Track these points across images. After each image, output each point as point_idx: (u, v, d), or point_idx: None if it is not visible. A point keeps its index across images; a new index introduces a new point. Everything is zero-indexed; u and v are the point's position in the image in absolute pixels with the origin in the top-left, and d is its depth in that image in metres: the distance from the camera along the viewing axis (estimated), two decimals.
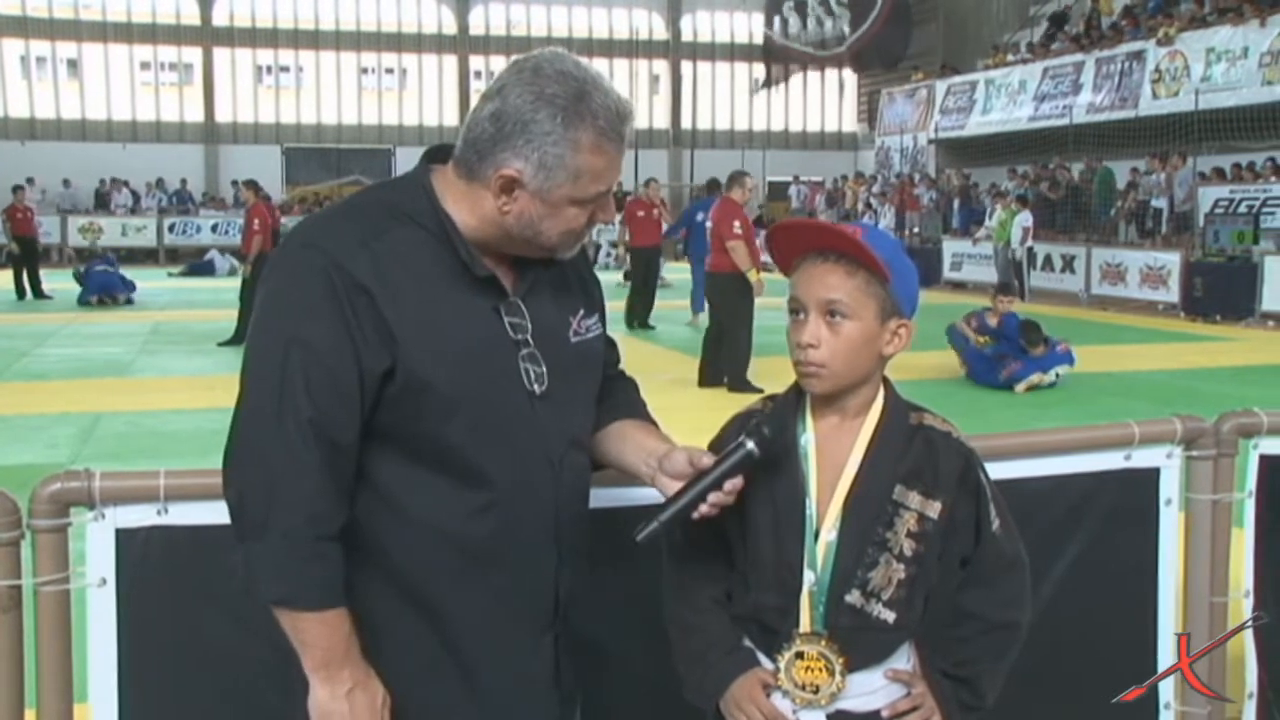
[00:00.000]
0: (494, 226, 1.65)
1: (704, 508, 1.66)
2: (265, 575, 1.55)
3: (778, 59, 35.59)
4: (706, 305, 14.74)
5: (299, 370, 1.54)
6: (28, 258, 18.99)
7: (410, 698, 1.66)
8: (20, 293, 18.50)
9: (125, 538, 1.92)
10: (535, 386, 1.67)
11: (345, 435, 1.57)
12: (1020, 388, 9.84)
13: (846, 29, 33.06)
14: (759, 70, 37.63)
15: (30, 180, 25.42)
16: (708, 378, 10.00)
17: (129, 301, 17.81)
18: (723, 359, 9.87)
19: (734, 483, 1.67)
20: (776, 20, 34.78)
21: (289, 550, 1.54)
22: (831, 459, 1.74)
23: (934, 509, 1.71)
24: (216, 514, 1.91)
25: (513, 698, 1.71)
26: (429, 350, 1.59)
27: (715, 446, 1.80)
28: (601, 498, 1.85)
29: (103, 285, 17.77)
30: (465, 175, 1.65)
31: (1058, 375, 10.04)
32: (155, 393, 9.85)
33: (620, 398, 1.87)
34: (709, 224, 10.38)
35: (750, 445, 1.66)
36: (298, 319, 1.56)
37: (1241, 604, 2.63)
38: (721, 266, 9.80)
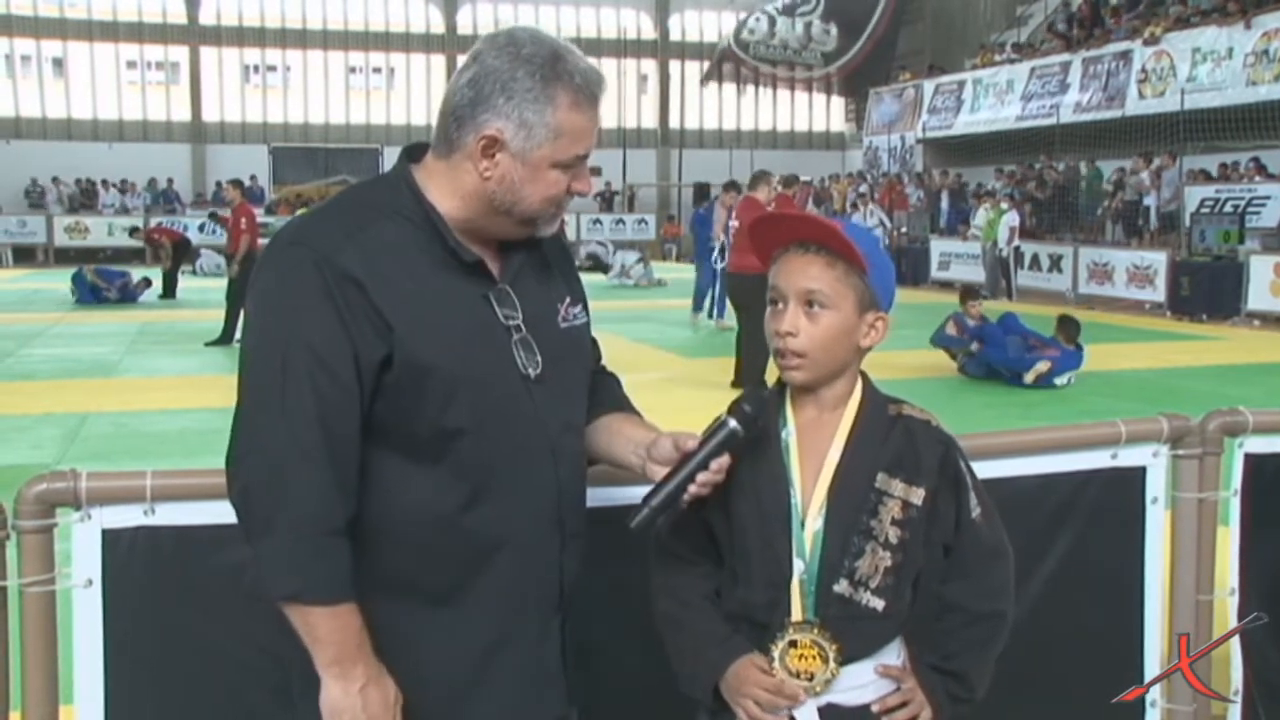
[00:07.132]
0: (476, 200, 1.65)
1: (693, 489, 1.66)
2: (275, 571, 1.55)
3: (731, 62, 35.04)
4: (706, 306, 14.71)
5: (297, 365, 1.54)
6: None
7: (421, 693, 1.65)
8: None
9: (111, 538, 1.91)
10: (530, 370, 1.67)
11: (347, 427, 1.57)
12: (1060, 380, 9.95)
13: (831, 47, 32.78)
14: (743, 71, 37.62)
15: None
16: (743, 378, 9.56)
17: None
18: (744, 359, 9.55)
19: (720, 462, 1.67)
20: (744, 25, 34.28)
21: (297, 544, 1.53)
22: (813, 450, 1.75)
23: (918, 495, 1.73)
24: (204, 515, 1.91)
25: (525, 685, 1.70)
26: (425, 336, 1.59)
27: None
28: (594, 497, 1.85)
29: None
30: (445, 152, 1.66)
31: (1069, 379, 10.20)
32: (142, 393, 9.81)
33: (604, 394, 1.87)
34: (733, 224, 10.07)
35: (733, 423, 1.67)
36: (291, 315, 1.56)
37: (1227, 602, 2.64)
38: (744, 267, 9.37)
